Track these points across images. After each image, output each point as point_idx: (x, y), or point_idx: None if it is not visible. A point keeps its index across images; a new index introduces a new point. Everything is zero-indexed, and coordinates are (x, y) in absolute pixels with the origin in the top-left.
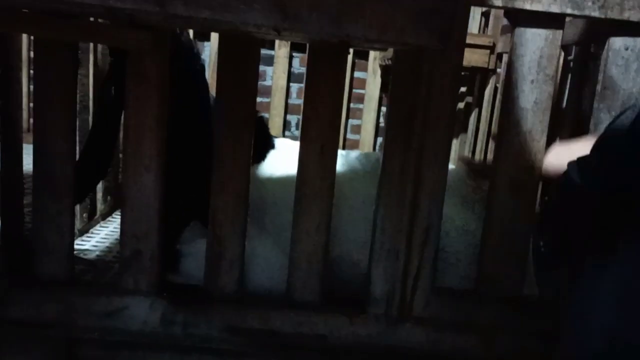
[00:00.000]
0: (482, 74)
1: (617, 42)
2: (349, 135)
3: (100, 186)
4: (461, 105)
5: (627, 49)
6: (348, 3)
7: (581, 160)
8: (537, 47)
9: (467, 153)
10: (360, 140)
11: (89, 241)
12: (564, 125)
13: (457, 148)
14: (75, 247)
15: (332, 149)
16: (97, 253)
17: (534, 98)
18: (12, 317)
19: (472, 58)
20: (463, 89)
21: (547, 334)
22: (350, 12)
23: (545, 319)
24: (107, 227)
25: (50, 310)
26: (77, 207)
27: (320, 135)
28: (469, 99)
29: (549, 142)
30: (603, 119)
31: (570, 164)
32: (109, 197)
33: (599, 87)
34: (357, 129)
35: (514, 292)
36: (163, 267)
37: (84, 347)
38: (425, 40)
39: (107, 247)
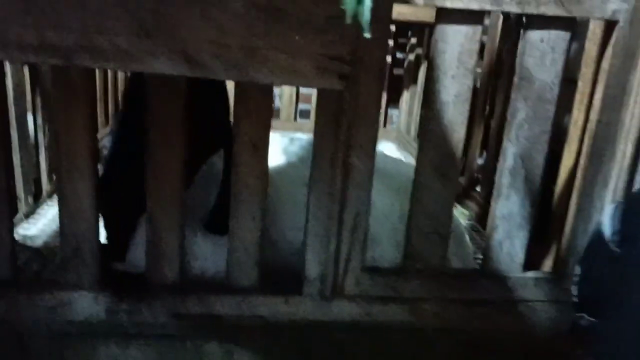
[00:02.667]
0: (430, 28)
1: (532, 35)
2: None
3: (44, 166)
4: (412, 57)
5: (542, 41)
6: (250, 53)
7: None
8: (458, 43)
9: (417, 104)
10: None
11: (35, 224)
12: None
13: (408, 99)
14: (21, 232)
15: (263, 147)
16: (44, 238)
17: (455, 91)
18: None
19: (420, 13)
20: (413, 41)
21: (468, 301)
22: (252, 61)
23: (466, 289)
24: (53, 206)
25: None
26: (21, 191)
27: (252, 135)
28: (419, 50)
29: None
30: (519, 107)
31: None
32: (54, 176)
33: (515, 78)
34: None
35: (437, 266)
36: (105, 261)
37: (33, 339)
38: (327, 83)
39: (54, 230)
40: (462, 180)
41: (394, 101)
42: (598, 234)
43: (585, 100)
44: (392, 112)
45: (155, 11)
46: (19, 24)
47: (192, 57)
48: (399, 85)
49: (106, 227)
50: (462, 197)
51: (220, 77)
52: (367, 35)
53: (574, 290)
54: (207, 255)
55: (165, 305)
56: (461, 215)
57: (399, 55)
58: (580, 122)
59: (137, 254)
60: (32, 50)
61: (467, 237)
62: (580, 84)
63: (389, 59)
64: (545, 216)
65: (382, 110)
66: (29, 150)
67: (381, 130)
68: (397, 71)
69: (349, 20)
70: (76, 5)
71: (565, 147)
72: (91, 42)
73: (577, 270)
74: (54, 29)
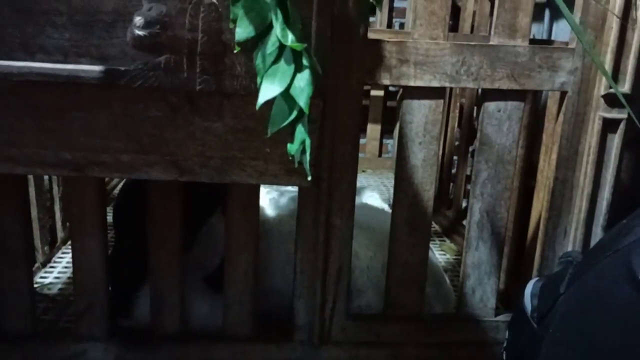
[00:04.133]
0: None
1: (490, 106)
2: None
3: (58, 215)
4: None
5: (499, 110)
6: (229, 161)
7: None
8: (422, 114)
9: None
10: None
11: (51, 272)
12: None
13: None
14: (38, 280)
15: (253, 208)
16: (60, 286)
17: (422, 156)
18: None
19: None
20: None
21: (445, 344)
22: (232, 167)
23: (443, 333)
24: (68, 253)
25: (16, 359)
26: (38, 241)
27: (243, 199)
28: None
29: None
30: (482, 169)
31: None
32: (67, 224)
33: (476, 143)
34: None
35: (415, 312)
36: (114, 315)
37: None
38: (297, 182)
39: (69, 277)
40: (450, 214)
41: (388, 132)
42: (521, 306)
43: (550, 153)
44: (387, 141)
45: (151, 134)
46: (38, 147)
47: (182, 166)
48: (393, 116)
49: (113, 287)
50: (449, 231)
51: (206, 181)
52: (309, 178)
53: (504, 353)
54: (206, 310)
55: (168, 353)
56: (449, 250)
57: (391, 88)
58: (545, 172)
59: (142, 311)
60: (50, 166)
61: (447, 280)
62: (544, 136)
63: (381, 92)
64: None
65: (377, 141)
66: (45, 202)
67: (377, 159)
68: (391, 103)
69: (296, 164)
70: (86, 130)
71: (534, 194)
72: (99, 158)
73: (507, 334)
74: (68, 150)
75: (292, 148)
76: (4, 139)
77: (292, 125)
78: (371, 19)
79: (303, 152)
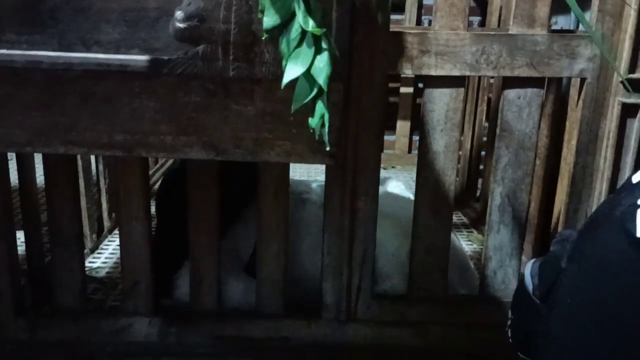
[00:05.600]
0: None
1: (510, 93)
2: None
3: (105, 206)
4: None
5: (519, 98)
6: (260, 142)
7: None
8: (444, 102)
9: None
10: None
11: (99, 258)
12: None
13: None
14: (87, 265)
15: (283, 194)
16: (107, 270)
17: (444, 143)
18: (41, 339)
19: None
20: None
21: (469, 324)
22: (262, 147)
23: (467, 313)
24: (114, 241)
25: (70, 333)
26: (87, 229)
27: (273, 182)
28: None
29: None
30: (502, 154)
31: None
32: (113, 214)
33: (498, 130)
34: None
35: (439, 294)
36: (158, 292)
37: (100, 358)
38: (321, 161)
39: (115, 262)
40: (478, 206)
41: (418, 129)
42: (523, 286)
43: (572, 140)
44: (417, 138)
45: (190, 117)
46: (93, 130)
47: (218, 147)
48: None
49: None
50: (477, 223)
51: (240, 159)
52: (328, 149)
53: (509, 332)
54: (241, 290)
55: (206, 328)
56: (476, 240)
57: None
58: (567, 159)
59: (182, 291)
60: (104, 147)
61: (471, 265)
62: (567, 124)
63: (411, 89)
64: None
65: (407, 137)
66: (93, 194)
67: (406, 156)
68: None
69: (317, 136)
70: (134, 115)
71: (558, 182)
72: (145, 140)
73: (510, 314)
74: (119, 132)
75: (313, 122)
76: (65, 123)
77: (313, 101)
78: (400, 17)
79: (322, 125)
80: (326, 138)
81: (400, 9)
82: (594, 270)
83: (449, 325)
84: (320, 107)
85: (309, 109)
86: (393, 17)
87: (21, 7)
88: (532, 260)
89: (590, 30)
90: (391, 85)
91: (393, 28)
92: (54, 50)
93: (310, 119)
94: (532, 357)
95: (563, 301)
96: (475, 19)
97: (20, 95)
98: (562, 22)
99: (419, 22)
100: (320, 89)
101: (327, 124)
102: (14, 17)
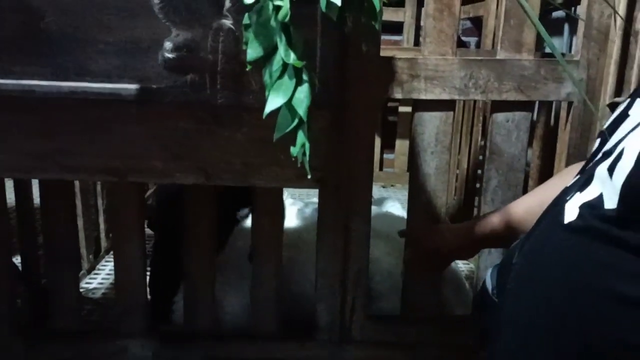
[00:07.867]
0: None
1: (499, 117)
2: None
3: (102, 226)
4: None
5: (507, 121)
6: (250, 167)
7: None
8: (434, 125)
9: None
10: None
11: (95, 279)
12: None
13: None
14: (84, 286)
15: (278, 219)
16: (103, 291)
17: (435, 165)
18: None
19: None
20: None
21: (463, 346)
22: (252, 172)
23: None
24: (111, 261)
25: (66, 355)
26: (84, 249)
27: (268, 206)
28: None
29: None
30: (492, 176)
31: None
32: (110, 234)
33: (487, 152)
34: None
35: (432, 314)
36: (154, 315)
37: None
38: (308, 185)
39: (112, 283)
40: None
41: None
42: (485, 289)
43: (562, 162)
44: None
45: (181, 144)
46: (88, 156)
47: (208, 172)
48: None
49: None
50: None
51: (230, 184)
52: (309, 176)
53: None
54: (236, 309)
55: (201, 350)
56: (473, 260)
57: None
58: None
59: (179, 315)
60: (97, 172)
61: (466, 285)
62: (558, 146)
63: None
64: None
65: (406, 156)
66: (90, 215)
67: (405, 174)
68: None
69: (298, 164)
70: (127, 141)
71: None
72: (138, 165)
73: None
74: (112, 158)
75: (294, 150)
76: (60, 149)
77: (294, 131)
78: (399, 38)
79: (304, 154)
80: (307, 166)
81: (399, 30)
82: (536, 254)
83: (444, 346)
84: (301, 137)
85: (292, 138)
86: (392, 38)
87: (18, 37)
88: (493, 266)
89: (561, 59)
90: (390, 104)
91: (391, 49)
92: (46, 79)
93: (292, 148)
94: (488, 352)
95: (510, 291)
96: (472, 40)
97: (18, 123)
98: (555, 44)
99: (416, 43)
100: (301, 120)
101: (307, 153)
102: (10, 47)
